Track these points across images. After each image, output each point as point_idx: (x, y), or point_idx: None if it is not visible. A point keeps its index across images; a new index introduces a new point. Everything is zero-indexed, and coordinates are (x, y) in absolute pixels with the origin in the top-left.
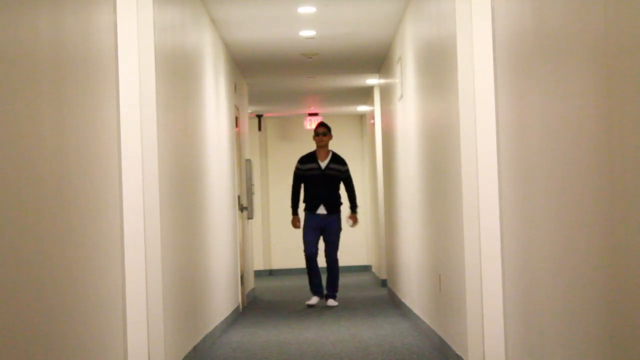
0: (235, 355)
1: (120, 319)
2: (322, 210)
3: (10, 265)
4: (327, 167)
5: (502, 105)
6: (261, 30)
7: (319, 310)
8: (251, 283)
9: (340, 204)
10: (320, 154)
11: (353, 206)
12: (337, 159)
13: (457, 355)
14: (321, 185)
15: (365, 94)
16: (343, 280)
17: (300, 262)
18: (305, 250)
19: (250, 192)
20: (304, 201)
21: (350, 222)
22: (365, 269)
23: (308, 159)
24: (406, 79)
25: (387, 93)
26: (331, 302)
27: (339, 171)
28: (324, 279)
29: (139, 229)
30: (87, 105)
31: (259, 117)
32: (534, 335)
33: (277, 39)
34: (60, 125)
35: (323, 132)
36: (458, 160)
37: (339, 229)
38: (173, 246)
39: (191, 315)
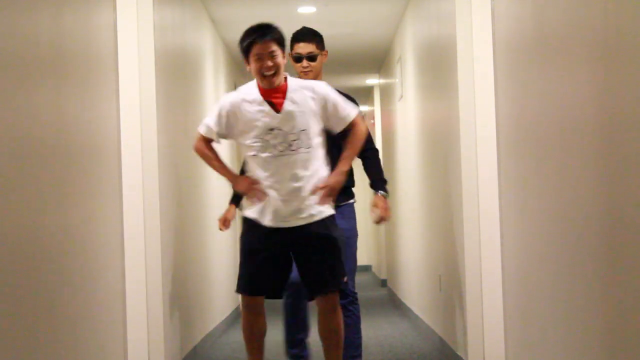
0: (235, 356)
1: (120, 319)
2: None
3: (10, 265)
4: None
5: (502, 105)
6: None
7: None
8: None
9: (353, 186)
10: None
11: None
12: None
13: (457, 355)
14: None
15: (365, 94)
16: None
17: None
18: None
19: None
20: None
21: (376, 213)
22: (366, 269)
23: None
24: (406, 79)
25: (387, 93)
26: None
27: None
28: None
29: (139, 229)
30: (87, 105)
31: None
32: (534, 336)
33: None
34: (60, 125)
35: (310, 54)
36: (458, 160)
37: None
38: (173, 246)
39: (191, 316)
